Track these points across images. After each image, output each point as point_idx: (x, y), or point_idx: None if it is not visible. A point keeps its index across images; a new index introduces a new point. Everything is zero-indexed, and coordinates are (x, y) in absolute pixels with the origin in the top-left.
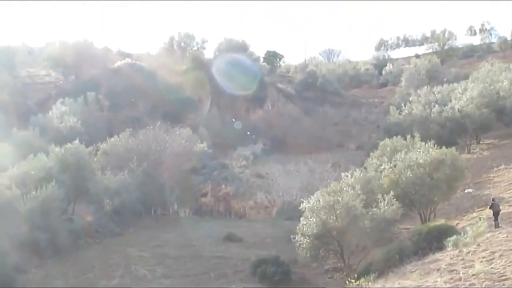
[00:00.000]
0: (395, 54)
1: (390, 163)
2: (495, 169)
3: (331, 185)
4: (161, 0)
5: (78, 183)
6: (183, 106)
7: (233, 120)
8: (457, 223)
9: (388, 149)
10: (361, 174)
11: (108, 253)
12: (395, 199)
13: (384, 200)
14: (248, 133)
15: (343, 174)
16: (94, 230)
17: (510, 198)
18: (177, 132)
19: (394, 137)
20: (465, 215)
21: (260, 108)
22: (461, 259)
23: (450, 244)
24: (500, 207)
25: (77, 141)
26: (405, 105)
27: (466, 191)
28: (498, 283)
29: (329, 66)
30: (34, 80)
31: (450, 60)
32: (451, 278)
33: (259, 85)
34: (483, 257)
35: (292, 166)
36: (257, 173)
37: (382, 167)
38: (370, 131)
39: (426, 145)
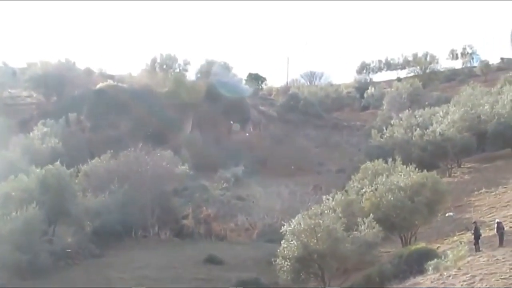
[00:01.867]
0: (377, 77)
1: (371, 186)
2: (476, 192)
3: (312, 208)
4: (143, 21)
5: (58, 204)
6: (165, 127)
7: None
8: (438, 247)
9: (370, 172)
10: (342, 197)
11: (88, 274)
12: (376, 222)
13: (365, 223)
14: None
15: (324, 197)
16: (74, 251)
17: (491, 222)
18: (159, 154)
19: (376, 160)
20: (446, 239)
21: (242, 130)
22: (442, 283)
23: (430, 268)
24: (481, 231)
25: (58, 163)
26: (386, 128)
27: (447, 214)
28: None
29: (311, 89)
30: (16, 101)
31: (432, 84)
32: None
33: (241, 107)
34: (464, 281)
35: (273, 188)
36: (238, 195)
37: (363, 190)
38: (352, 154)
39: (408, 168)
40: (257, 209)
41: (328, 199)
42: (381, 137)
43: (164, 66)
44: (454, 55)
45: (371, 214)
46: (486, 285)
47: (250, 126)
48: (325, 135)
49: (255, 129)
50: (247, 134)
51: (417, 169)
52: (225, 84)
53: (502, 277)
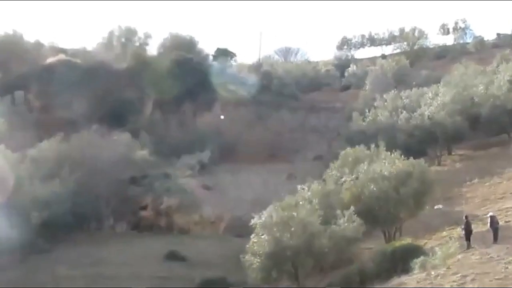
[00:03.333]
0: (359, 54)
1: (352, 175)
2: (468, 183)
3: (286, 199)
4: None
5: None
6: (122, 108)
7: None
8: (425, 243)
9: (350, 159)
10: (319, 187)
11: (35, 272)
12: (356, 215)
13: (345, 216)
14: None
15: (299, 186)
16: (19, 246)
17: (484, 216)
18: (115, 137)
19: (357, 146)
20: (434, 234)
21: (208, 112)
22: (429, 283)
23: (417, 266)
24: (473, 226)
25: (2, 146)
26: (369, 111)
27: (435, 207)
28: None
29: (286, 66)
30: None
31: (420, 62)
32: None
33: (207, 87)
34: (454, 281)
35: (243, 177)
36: (203, 184)
37: (343, 179)
38: (330, 139)
39: (392, 155)
40: (225, 199)
41: (303, 189)
42: (363, 120)
43: (123, 40)
44: (445, 30)
45: (351, 206)
46: (479, 286)
47: (217, 107)
48: (301, 118)
49: (223, 111)
50: (221, 117)
51: (402, 157)
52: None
53: (496, 277)
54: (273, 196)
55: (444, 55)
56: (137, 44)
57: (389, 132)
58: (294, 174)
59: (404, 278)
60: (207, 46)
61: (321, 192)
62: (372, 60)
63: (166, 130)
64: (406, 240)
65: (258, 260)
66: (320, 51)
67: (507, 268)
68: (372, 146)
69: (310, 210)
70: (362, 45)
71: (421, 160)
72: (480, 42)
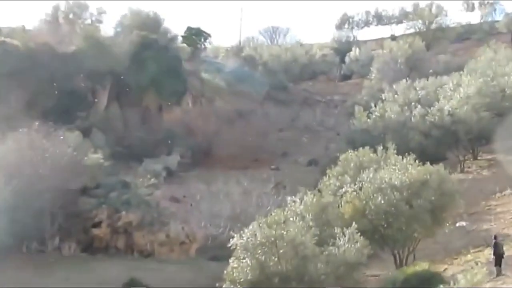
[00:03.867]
0: (364, 34)
1: (354, 184)
2: (498, 195)
3: (273, 214)
4: None
5: None
6: (71, 101)
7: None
8: (445, 269)
9: (352, 165)
10: (314, 199)
11: None
12: (360, 234)
13: (345, 235)
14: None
15: (289, 198)
16: None
17: None
18: (62, 137)
19: (360, 148)
20: (456, 258)
21: (177, 106)
22: None
23: None
24: (504, 248)
25: None
26: (375, 105)
27: (458, 224)
28: None
29: (273, 50)
30: None
31: (439, 45)
32: None
33: (176, 75)
34: None
35: (219, 186)
36: (171, 196)
37: (343, 190)
38: (328, 140)
39: (404, 160)
40: (198, 214)
41: (294, 201)
42: (368, 117)
43: (71, 16)
44: (469, 6)
45: (353, 223)
46: None
47: (188, 100)
48: (292, 114)
49: (195, 105)
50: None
51: (417, 162)
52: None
53: None
54: (257, 210)
55: (468, 36)
56: (89, 21)
57: (401, 131)
58: (283, 183)
59: None
60: (175, 25)
61: (316, 206)
62: (379, 42)
63: (125, 128)
64: (422, 266)
65: None
66: (315, 31)
67: None
68: (380, 148)
69: (303, 228)
70: (366, 23)
71: (440, 166)
72: None
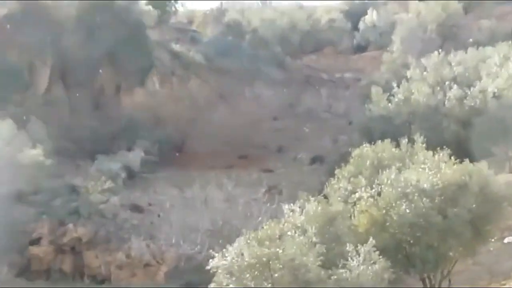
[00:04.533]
0: None
1: (371, 188)
2: None
3: (265, 227)
4: None
5: None
6: (1, 81)
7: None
8: None
9: (368, 163)
10: (319, 208)
11: None
12: (379, 252)
13: (359, 254)
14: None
15: (286, 207)
16: None
17: None
18: None
19: (379, 141)
20: (504, 284)
21: (140, 87)
22: None
23: None
24: None
25: None
26: (398, 86)
27: (506, 240)
28: None
29: (265, 15)
30: None
31: (481, 7)
32: None
33: (138, 46)
34: None
35: (196, 192)
36: (133, 204)
37: (357, 195)
38: (337, 130)
39: (436, 157)
40: (167, 228)
41: (293, 210)
42: (389, 100)
43: None
44: None
45: (370, 239)
46: None
47: (155, 80)
48: (290, 98)
49: (164, 85)
50: (161, 95)
51: (453, 159)
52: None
53: None
54: (245, 222)
55: None
56: None
57: (431, 119)
58: (278, 187)
59: None
60: None
61: (321, 216)
62: (404, 3)
63: (73, 116)
64: None
65: None
66: None
67: None
68: (404, 141)
69: (304, 245)
70: None
71: (483, 165)
72: None
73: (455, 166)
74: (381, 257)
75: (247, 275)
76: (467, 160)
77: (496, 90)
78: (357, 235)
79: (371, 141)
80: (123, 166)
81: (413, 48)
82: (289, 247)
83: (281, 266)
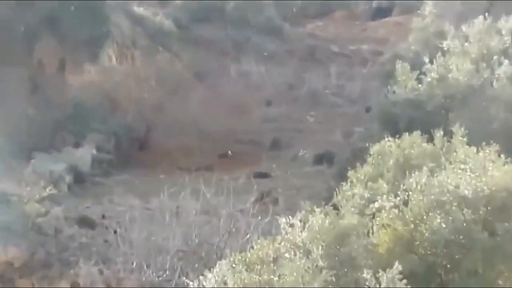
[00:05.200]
0: None
1: (396, 196)
2: None
3: (256, 246)
4: None
5: None
6: None
7: None
8: None
9: (391, 162)
10: (327, 222)
11: None
12: (406, 281)
13: (380, 283)
14: None
15: (283, 220)
16: None
17: None
18: None
19: (406, 134)
20: None
21: (92, 63)
22: None
23: None
24: None
25: None
26: (432, 61)
27: None
28: None
29: None
30: None
31: None
32: None
33: (89, 9)
34: None
35: (164, 201)
36: (81, 216)
37: (377, 204)
38: (350, 120)
39: (481, 154)
40: (126, 248)
41: (291, 225)
42: (418, 80)
43: None
44: None
45: (395, 263)
46: None
47: (111, 53)
48: (289, 76)
49: (123, 60)
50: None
51: (503, 157)
52: None
53: None
54: (228, 240)
55: None
56: None
57: (475, 104)
58: (273, 194)
59: None
60: None
61: (330, 233)
62: None
63: (2, 101)
64: None
65: None
66: None
67: None
68: (439, 134)
69: (307, 271)
70: None
71: None
72: None
73: (505, 166)
74: (408, 286)
75: None
76: None
77: None
78: (377, 258)
79: (395, 133)
80: (69, 167)
81: (451, 12)
82: (288, 273)
83: None
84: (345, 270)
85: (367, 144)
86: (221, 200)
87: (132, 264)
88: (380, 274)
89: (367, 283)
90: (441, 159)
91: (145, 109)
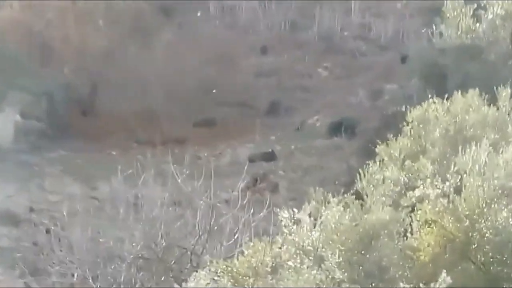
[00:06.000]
0: None
1: (445, 181)
2: None
3: (247, 251)
4: None
5: None
6: None
7: None
8: None
9: (437, 133)
10: (347, 217)
11: None
12: None
13: None
14: None
15: (284, 214)
16: None
17: None
18: None
19: (457, 93)
20: None
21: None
22: None
23: None
24: None
25: None
26: None
27: None
28: None
29: None
30: None
31: None
32: None
33: None
34: None
35: (117, 187)
36: (1, 209)
37: (417, 192)
38: (379, 73)
39: None
40: (63, 254)
41: (296, 222)
42: (475, 18)
43: None
44: None
45: (443, 275)
46: None
47: None
48: (292, 12)
49: None
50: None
51: None
52: None
53: None
54: (208, 242)
55: None
56: None
57: None
58: (271, 178)
59: None
60: None
61: (351, 232)
62: None
63: None
64: None
65: None
66: None
67: None
68: (505, 92)
69: (320, 284)
70: None
71: None
72: None
73: None
74: None
75: None
76: None
77: None
78: (418, 267)
79: (444, 93)
80: None
81: None
82: (291, 285)
83: None
84: (372, 284)
85: (404, 108)
86: (197, 187)
87: (73, 276)
88: (420, 284)
89: None
90: (508, 128)
91: (90, 58)
